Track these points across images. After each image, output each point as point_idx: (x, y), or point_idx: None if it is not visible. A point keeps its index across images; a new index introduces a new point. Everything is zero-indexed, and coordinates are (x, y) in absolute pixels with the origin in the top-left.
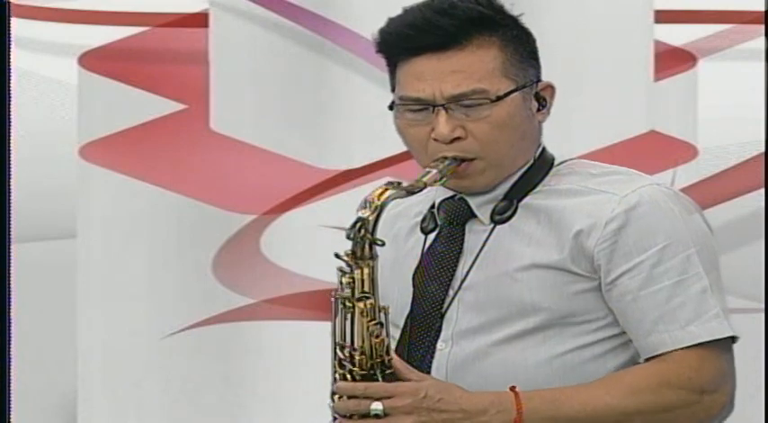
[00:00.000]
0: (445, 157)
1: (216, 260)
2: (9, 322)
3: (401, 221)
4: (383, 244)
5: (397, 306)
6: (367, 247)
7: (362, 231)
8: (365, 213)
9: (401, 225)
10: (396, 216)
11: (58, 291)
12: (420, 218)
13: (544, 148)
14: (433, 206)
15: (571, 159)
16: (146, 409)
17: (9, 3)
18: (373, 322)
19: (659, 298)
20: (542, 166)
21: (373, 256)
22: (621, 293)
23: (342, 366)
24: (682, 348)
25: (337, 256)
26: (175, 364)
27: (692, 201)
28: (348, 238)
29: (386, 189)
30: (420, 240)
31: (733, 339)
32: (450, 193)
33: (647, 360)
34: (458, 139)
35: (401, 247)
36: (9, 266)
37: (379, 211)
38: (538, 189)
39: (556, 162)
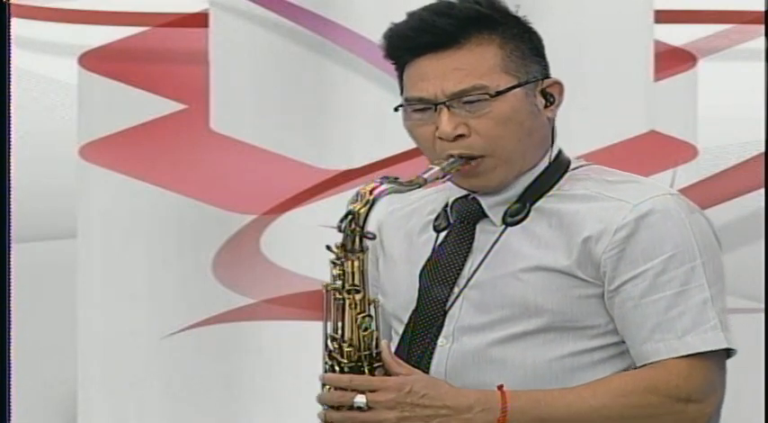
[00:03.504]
0: (451, 155)
1: (216, 260)
2: (9, 322)
3: (415, 218)
4: (374, 237)
5: (403, 301)
6: (357, 240)
7: (353, 224)
8: (356, 206)
9: (415, 222)
10: (410, 213)
11: (58, 291)
12: (434, 216)
13: (560, 151)
14: (447, 205)
15: (588, 164)
16: (146, 409)
17: (9, 3)
18: (362, 315)
19: (659, 306)
20: (557, 169)
21: (363, 249)
22: (623, 300)
23: (331, 358)
24: (674, 357)
25: (328, 248)
26: (175, 364)
27: (705, 214)
28: (339, 230)
29: (380, 183)
30: (432, 238)
31: (729, 354)
32: (464, 193)
33: (640, 366)
34: (462, 136)
35: (414, 243)
36: (9, 266)
37: (371, 204)
38: (552, 192)
39: (572, 166)
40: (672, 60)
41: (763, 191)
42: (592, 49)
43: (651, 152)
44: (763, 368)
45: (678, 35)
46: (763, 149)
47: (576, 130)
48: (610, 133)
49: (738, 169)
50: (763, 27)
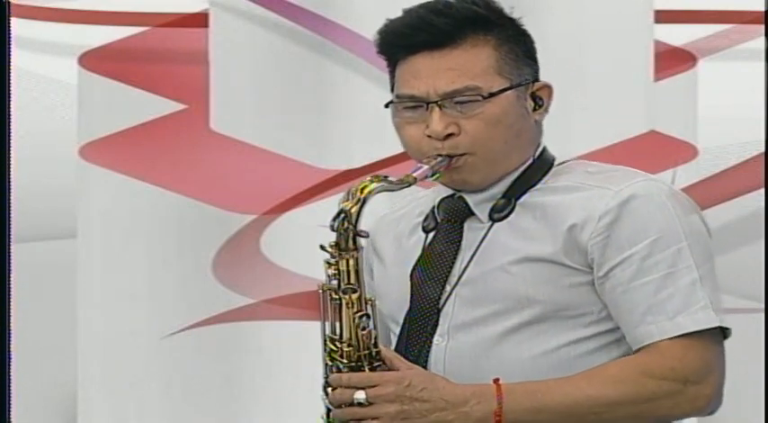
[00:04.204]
0: (439, 155)
1: (216, 260)
2: (9, 322)
3: (404, 222)
4: (367, 235)
5: (396, 303)
6: (350, 238)
7: (345, 223)
8: (347, 205)
9: (404, 225)
10: (400, 217)
11: (58, 291)
12: (422, 217)
13: (545, 149)
14: (434, 206)
15: (571, 159)
16: (146, 409)
17: (9, 3)
18: (359, 314)
19: (648, 290)
20: (542, 165)
21: (357, 248)
22: (613, 286)
23: (331, 359)
24: (667, 339)
25: (322, 247)
26: (175, 364)
27: (688, 197)
28: (332, 229)
29: (370, 182)
30: (421, 239)
31: (724, 333)
32: (450, 193)
33: (636, 352)
34: (451, 135)
35: (403, 246)
36: (9, 266)
37: (362, 202)
38: (536, 188)
39: (556, 162)
40: (672, 60)
41: (763, 191)
42: (592, 49)
43: (651, 152)
44: (763, 368)
45: (678, 35)
46: (763, 149)
47: (576, 130)
48: (610, 133)
49: (738, 169)
50: (763, 27)
